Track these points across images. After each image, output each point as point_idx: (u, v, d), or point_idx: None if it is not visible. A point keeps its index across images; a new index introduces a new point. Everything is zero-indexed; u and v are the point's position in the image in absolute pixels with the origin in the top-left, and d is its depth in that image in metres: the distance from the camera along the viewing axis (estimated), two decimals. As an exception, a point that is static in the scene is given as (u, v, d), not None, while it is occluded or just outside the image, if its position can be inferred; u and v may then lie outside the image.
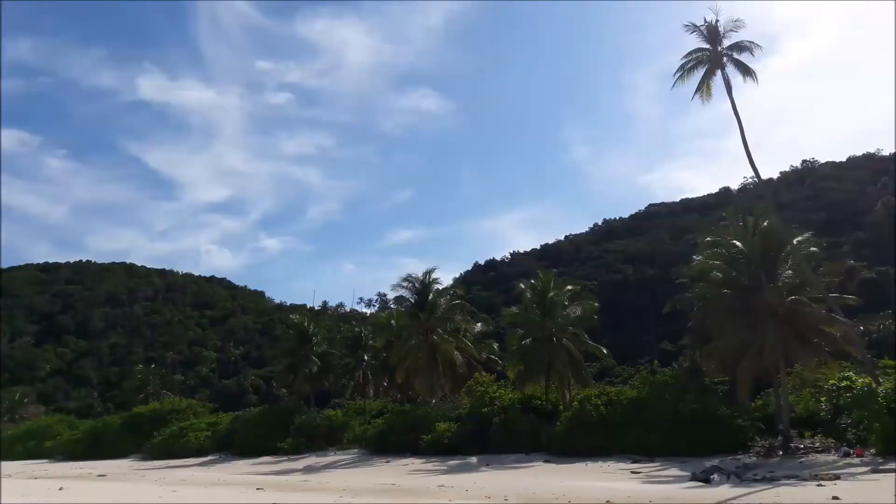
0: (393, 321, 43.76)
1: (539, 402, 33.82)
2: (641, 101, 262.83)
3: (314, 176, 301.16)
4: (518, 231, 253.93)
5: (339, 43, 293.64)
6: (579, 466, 25.47)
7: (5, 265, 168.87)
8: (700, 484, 19.32)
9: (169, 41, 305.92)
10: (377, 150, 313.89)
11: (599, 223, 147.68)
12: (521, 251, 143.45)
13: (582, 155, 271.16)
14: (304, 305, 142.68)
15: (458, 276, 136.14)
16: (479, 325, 43.75)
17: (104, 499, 22.56)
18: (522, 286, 38.00)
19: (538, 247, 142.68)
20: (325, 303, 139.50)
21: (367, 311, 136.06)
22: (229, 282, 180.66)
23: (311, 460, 35.43)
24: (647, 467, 24.07)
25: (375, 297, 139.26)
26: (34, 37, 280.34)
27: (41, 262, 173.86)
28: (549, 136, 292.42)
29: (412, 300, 42.74)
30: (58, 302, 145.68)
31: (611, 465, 25.07)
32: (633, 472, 23.00)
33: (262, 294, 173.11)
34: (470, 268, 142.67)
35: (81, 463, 46.35)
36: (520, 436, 31.24)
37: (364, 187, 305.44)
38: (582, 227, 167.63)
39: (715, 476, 20.02)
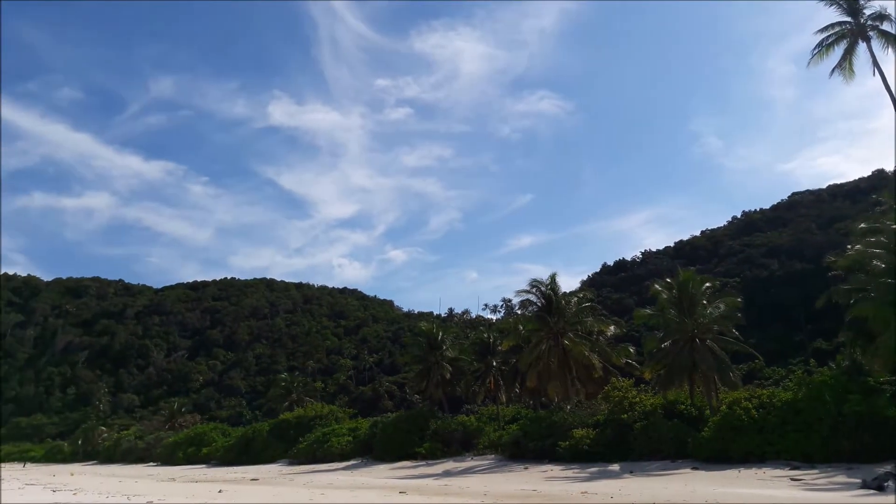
0: (521, 326, 43.31)
1: (683, 406, 32.27)
2: (774, 85, 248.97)
3: (434, 187, 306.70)
4: (648, 229, 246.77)
5: (454, 54, 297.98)
6: (731, 473, 23.99)
7: (159, 286, 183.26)
8: (872, 492, 17.62)
9: (294, 68, 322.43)
10: (495, 156, 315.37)
11: (738, 216, 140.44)
12: (653, 250, 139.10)
13: (714, 146, 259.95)
14: (431, 313, 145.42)
15: (585, 278, 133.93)
16: (612, 327, 42.39)
17: (261, 500, 23.64)
18: (657, 286, 36.43)
19: (671, 244, 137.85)
20: (451, 310, 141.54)
21: (493, 317, 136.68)
22: (360, 292, 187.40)
23: (449, 465, 35.63)
24: (807, 474, 22.31)
25: (500, 303, 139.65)
26: (174, 74, 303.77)
27: (190, 280, 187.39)
28: (676, 128, 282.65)
29: (539, 304, 42.15)
30: (207, 317, 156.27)
31: (766, 472, 23.43)
32: (792, 479, 21.37)
33: (391, 303, 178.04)
34: (598, 269, 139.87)
35: (235, 468, 49.08)
36: (664, 442, 29.88)
37: (483, 195, 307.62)
38: (718, 222, 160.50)
39: (890, 483, 18.21)
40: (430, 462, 37.81)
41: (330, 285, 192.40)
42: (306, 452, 46.94)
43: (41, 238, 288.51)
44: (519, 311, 50.29)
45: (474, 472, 31.89)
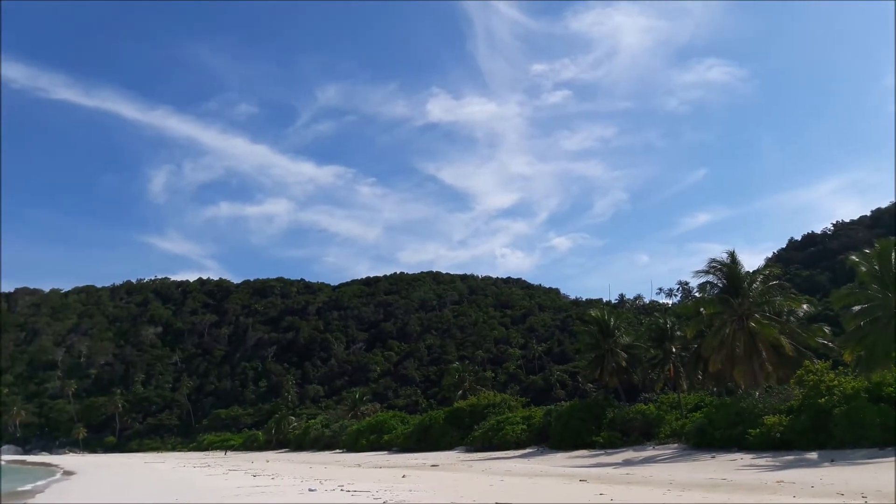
0: (702, 309, 40.98)
1: (891, 388, 29.03)
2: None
3: (597, 169, 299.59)
4: (839, 198, 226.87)
5: (612, 30, 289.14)
6: (956, 464, 21.21)
7: (336, 283, 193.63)
8: None
9: (450, 64, 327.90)
10: (662, 132, 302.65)
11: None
12: (846, 220, 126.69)
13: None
14: (601, 300, 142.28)
15: (770, 255, 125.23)
16: (804, 305, 39.04)
17: (443, 484, 24.09)
18: (855, 258, 33.06)
19: (867, 213, 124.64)
20: (622, 296, 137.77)
21: (668, 301, 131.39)
22: (525, 281, 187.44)
23: (629, 454, 34.55)
24: None
25: (676, 287, 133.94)
26: (338, 82, 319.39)
27: (363, 276, 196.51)
28: (864, 87, 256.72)
29: (720, 285, 39.71)
30: (380, 311, 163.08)
31: None
32: None
33: (557, 291, 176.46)
34: (784, 245, 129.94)
35: (415, 454, 50.70)
36: (870, 428, 27.01)
37: (651, 173, 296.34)
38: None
39: None
40: (608, 451, 36.88)
41: (494, 275, 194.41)
42: (482, 440, 47.49)
43: (229, 244, 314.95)
44: (697, 294, 47.70)
45: (656, 462, 30.65)
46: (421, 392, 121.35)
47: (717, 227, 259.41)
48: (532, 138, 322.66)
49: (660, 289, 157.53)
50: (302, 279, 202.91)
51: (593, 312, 53.35)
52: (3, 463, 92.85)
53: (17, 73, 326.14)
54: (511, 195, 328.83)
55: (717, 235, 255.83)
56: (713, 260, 39.86)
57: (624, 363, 46.55)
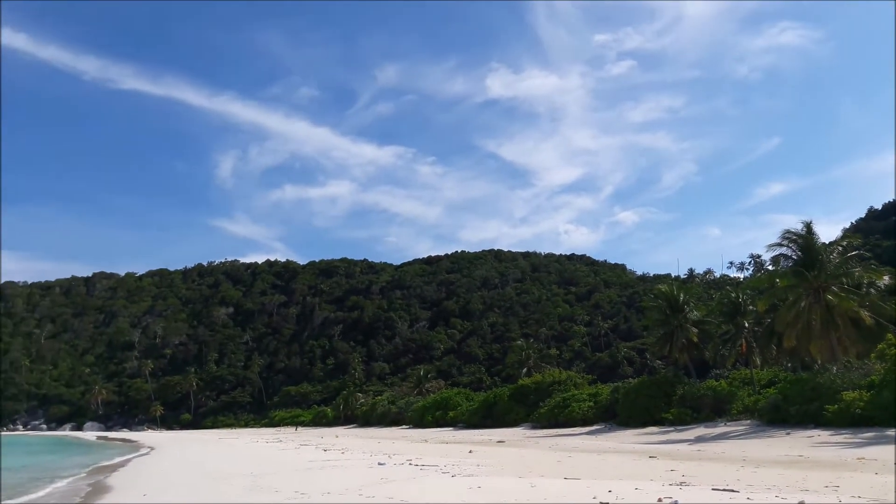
0: (777, 280, 39.60)
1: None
2: None
3: (665, 140, 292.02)
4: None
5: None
6: None
7: (398, 262, 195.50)
8: None
9: (510, 38, 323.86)
10: (732, 100, 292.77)
11: None
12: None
13: None
14: (669, 275, 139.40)
15: (848, 225, 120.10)
16: (885, 277, 37.29)
17: (509, 460, 24.13)
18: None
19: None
20: (691, 270, 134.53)
21: (740, 275, 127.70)
22: (589, 258, 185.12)
23: (700, 431, 33.87)
24: None
25: (748, 260, 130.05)
26: (397, 62, 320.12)
27: (425, 256, 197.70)
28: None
29: (795, 257, 38.32)
30: (442, 289, 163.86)
31: None
32: None
33: (623, 267, 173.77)
34: (863, 215, 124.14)
35: (480, 430, 50.97)
36: (957, 405, 25.80)
37: (721, 143, 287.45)
38: None
39: None
40: (678, 428, 36.23)
41: (557, 252, 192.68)
42: (547, 417, 47.33)
43: (295, 226, 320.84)
44: (770, 268, 46.17)
45: (729, 438, 29.94)
46: (485, 370, 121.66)
47: (791, 197, 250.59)
48: (596, 111, 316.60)
49: (731, 263, 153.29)
50: (365, 259, 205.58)
51: (662, 287, 52.34)
52: (93, 439, 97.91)
53: (89, 65, 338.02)
54: (574, 170, 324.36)
55: (792, 206, 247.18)
56: (787, 231, 38.48)
57: (695, 339, 45.57)
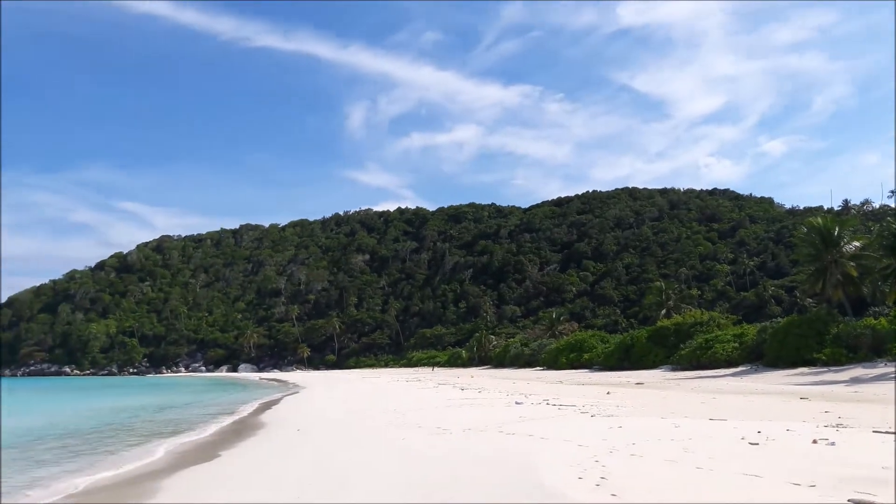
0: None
1: None
2: None
3: (816, 61, 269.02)
4: None
5: None
6: None
7: (527, 205, 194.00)
8: None
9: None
10: (893, 12, 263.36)
11: None
12: None
13: None
14: (821, 207, 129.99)
15: None
16: None
17: (650, 401, 23.65)
18: None
19: None
20: (846, 202, 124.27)
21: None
22: (733, 192, 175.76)
23: (857, 371, 31.66)
24: None
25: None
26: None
27: (553, 198, 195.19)
28: None
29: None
30: (573, 231, 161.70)
31: None
32: None
33: (770, 201, 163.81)
34: None
35: (617, 372, 50.33)
36: None
37: (880, 61, 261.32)
38: None
39: None
40: (832, 368, 34.04)
41: (697, 188, 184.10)
42: (688, 359, 45.87)
43: (423, 173, 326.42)
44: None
45: (889, 379, 27.79)
46: (620, 312, 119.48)
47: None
48: (737, 34, 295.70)
49: (892, 192, 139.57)
50: (493, 203, 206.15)
51: (814, 220, 48.80)
52: (256, 379, 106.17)
53: (225, 25, 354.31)
54: (715, 99, 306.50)
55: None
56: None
57: (854, 273, 42.34)
